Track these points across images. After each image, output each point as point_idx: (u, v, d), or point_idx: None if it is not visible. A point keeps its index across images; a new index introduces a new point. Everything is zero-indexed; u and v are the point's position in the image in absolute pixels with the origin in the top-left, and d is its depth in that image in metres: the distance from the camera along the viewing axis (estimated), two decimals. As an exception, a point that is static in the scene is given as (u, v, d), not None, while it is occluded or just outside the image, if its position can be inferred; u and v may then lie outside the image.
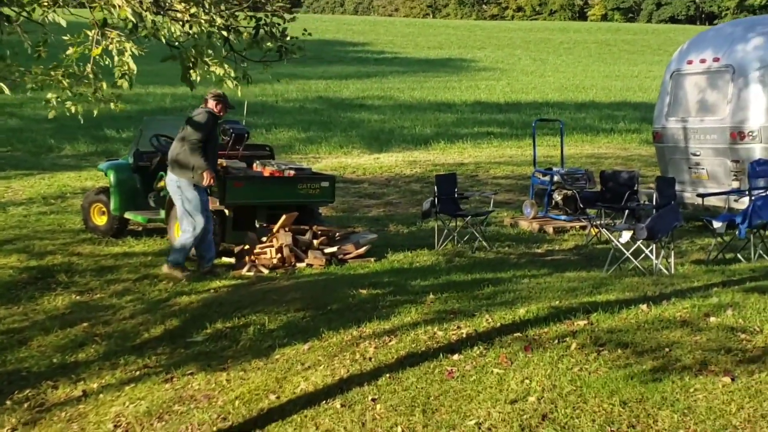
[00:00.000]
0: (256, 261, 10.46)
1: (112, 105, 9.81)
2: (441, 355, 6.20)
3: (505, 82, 38.24)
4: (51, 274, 10.44)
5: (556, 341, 6.27)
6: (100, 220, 12.20)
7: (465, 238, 12.17)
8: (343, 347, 6.74)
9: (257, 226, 11.25)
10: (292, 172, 11.47)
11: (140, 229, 12.41)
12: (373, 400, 5.58)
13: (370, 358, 6.38)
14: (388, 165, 18.42)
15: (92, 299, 9.64)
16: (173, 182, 10.13)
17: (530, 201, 13.97)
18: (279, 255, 10.52)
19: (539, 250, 11.82)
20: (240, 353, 7.17)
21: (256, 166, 11.95)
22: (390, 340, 6.73)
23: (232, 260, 10.73)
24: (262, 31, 9.51)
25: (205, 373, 6.73)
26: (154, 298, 9.38)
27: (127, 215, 11.92)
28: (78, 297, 9.72)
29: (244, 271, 10.27)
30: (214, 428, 5.65)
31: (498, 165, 18.92)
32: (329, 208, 14.70)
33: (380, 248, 11.56)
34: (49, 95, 9.52)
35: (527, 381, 5.56)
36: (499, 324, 6.87)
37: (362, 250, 10.98)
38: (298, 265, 10.53)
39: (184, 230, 10.17)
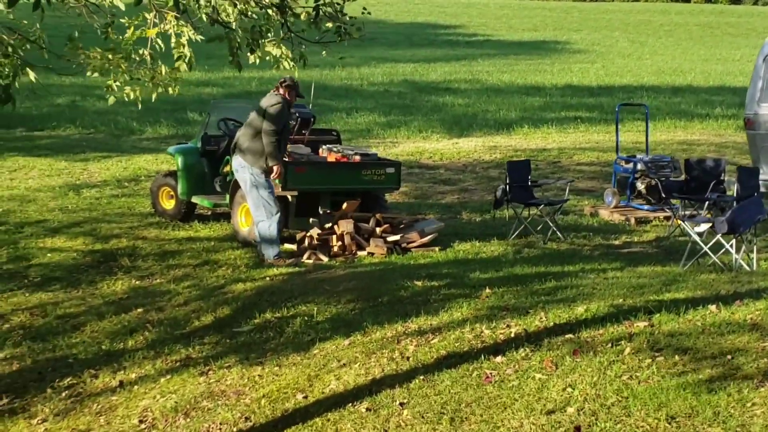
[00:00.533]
0: (317, 248, 10.21)
1: (170, 90, 9.80)
2: (483, 356, 5.82)
3: (599, 65, 37.20)
4: (114, 258, 10.40)
5: (610, 345, 5.83)
6: (169, 204, 12.13)
7: (538, 228, 11.72)
8: (383, 344, 6.42)
9: (320, 212, 11.01)
10: (357, 158, 11.19)
11: (208, 213, 12.30)
12: (402, 404, 5.24)
13: (408, 357, 6.05)
14: (467, 150, 17.99)
15: (151, 284, 9.55)
16: (245, 169, 9.95)
17: (612, 189, 13.41)
18: (340, 243, 10.26)
19: (616, 242, 11.30)
20: (281, 346, 6.93)
21: (322, 152, 11.71)
22: (433, 338, 6.38)
23: (294, 247, 10.51)
24: (321, 11, 9.28)
25: (241, 367, 6.51)
26: (211, 285, 9.23)
27: (194, 199, 11.81)
28: (138, 282, 9.65)
29: (303, 259, 10.04)
30: (235, 428, 5.41)
31: (583, 151, 18.29)
32: (400, 194, 14.39)
33: (448, 237, 11.21)
34: (110, 81, 9.52)
35: (569, 389, 5.15)
36: (552, 323, 6.46)
37: (426, 238, 10.64)
38: (359, 253, 10.26)
39: (260, 220, 9.97)
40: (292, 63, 9.29)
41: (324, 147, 11.74)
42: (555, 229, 11.47)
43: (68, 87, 25.91)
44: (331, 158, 11.51)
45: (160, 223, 11.88)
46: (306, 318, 7.52)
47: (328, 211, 10.90)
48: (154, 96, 9.76)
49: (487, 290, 7.69)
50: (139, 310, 8.64)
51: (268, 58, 9.25)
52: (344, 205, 10.64)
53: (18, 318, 8.57)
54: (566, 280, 8.19)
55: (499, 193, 11.77)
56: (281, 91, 10.12)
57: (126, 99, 9.73)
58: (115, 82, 9.52)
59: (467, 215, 13.25)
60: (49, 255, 10.44)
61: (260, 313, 7.87)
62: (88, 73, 9.48)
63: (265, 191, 9.91)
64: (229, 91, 26.25)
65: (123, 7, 8.57)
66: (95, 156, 16.51)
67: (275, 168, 9.90)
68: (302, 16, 9.04)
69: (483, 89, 27.94)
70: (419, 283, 8.25)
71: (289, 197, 10.68)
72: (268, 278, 9.12)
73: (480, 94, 26.85)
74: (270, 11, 8.90)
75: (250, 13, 9.00)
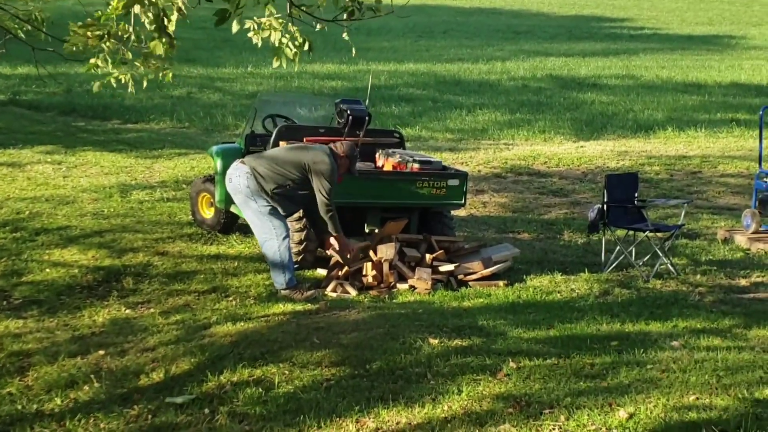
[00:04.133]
0: (348, 278, 8.27)
1: (161, 75, 8.07)
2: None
3: (776, 61, 33.47)
4: (118, 278, 8.80)
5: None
6: (208, 213, 10.45)
7: (646, 258, 9.38)
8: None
9: (367, 231, 9.05)
10: (415, 166, 9.16)
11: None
12: None
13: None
14: (591, 155, 15.55)
15: (140, 315, 7.85)
16: (243, 178, 8.14)
17: (752, 210, 10.90)
18: (375, 272, 8.27)
19: (743, 282, 8.86)
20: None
21: (379, 156, 9.74)
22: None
23: (325, 273, 8.62)
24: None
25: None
26: (199, 322, 7.45)
27: (233, 209, 10.05)
28: (127, 311, 7.98)
29: (327, 290, 8.12)
30: None
31: (731, 160, 15.54)
32: (497, 206, 12.35)
33: (527, 265, 9.13)
34: (92, 60, 7.87)
35: None
36: (570, 435, 4.27)
37: (489, 270, 8.50)
38: (399, 286, 8.23)
39: (265, 239, 8.16)
40: (294, 50, 7.37)
41: (380, 151, 9.77)
42: (665, 260, 9.12)
43: (192, 78, 24.95)
44: (388, 165, 9.53)
45: (194, 234, 10.21)
46: (261, 391, 5.58)
47: (376, 230, 8.94)
48: (145, 82, 8.13)
49: (512, 364, 5.55)
50: (101, 352, 6.93)
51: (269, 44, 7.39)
52: (387, 225, 8.64)
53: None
54: (637, 350, 5.94)
55: (593, 214, 9.47)
56: (339, 151, 8.30)
57: (114, 85, 8.18)
58: (96, 65, 7.93)
59: (569, 235, 11.02)
60: (47, 271, 8.93)
61: (217, 374, 5.99)
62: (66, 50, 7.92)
63: (264, 207, 8.10)
64: (355, 84, 24.55)
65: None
66: (170, 153, 15.09)
67: (339, 242, 8.22)
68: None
69: (634, 86, 25.14)
70: (435, 342, 6.19)
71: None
72: (264, 319, 7.24)
73: (629, 91, 24.09)
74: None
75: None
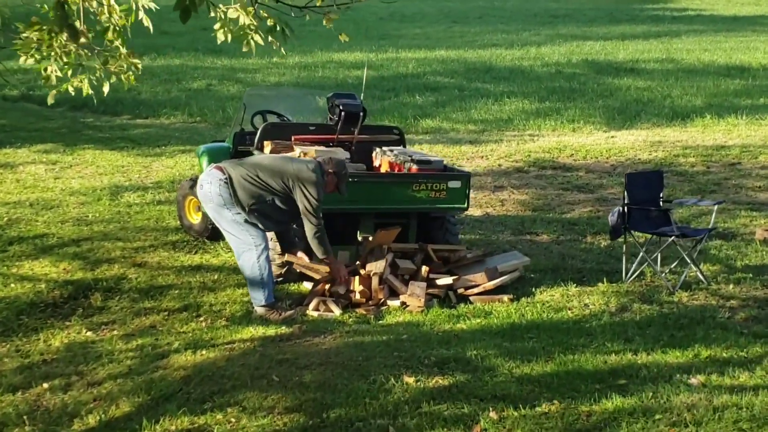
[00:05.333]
0: (331, 295, 7.40)
1: (123, 77, 7.28)
2: None
3: (828, 42, 31.90)
4: (86, 294, 8.02)
5: None
6: (195, 218, 9.63)
7: (674, 265, 8.42)
8: None
9: (359, 239, 8.16)
10: (413, 167, 8.25)
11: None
12: None
13: None
14: (622, 147, 14.49)
15: (99, 339, 7.05)
16: (215, 185, 7.29)
17: (794, 208, 9.84)
18: (362, 288, 7.38)
19: (782, 292, 7.85)
20: None
21: (376, 155, 8.85)
22: None
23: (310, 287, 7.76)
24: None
25: None
26: (158, 349, 6.63)
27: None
28: (88, 333, 7.20)
29: (309, 309, 7.25)
30: None
31: (775, 150, 14.39)
32: (516, 203, 11.44)
33: (540, 275, 8.28)
34: (48, 67, 7.12)
35: None
36: None
37: (493, 283, 7.57)
38: (390, 303, 7.35)
39: (242, 250, 7.30)
40: (270, 39, 6.51)
41: (377, 150, 8.88)
42: (695, 269, 8.15)
43: (213, 70, 24.22)
44: (385, 165, 8.64)
45: (178, 242, 9.41)
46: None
47: (370, 238, 8.05)
48: (106, 88, 7.31)
49: (492, 414, 4.66)
50: (44, 386, 6.15)
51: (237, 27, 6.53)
52: (377, 234, 7.75)
53: None
54: (646, 392, 4.99)
55: (613, 217, 8.48)
56: (328, 168, 7.37)
57: (72, 93, 7.40)
58: (50, 69, 7.16)
59: (591, 237, 10.07)
60: (11, 286, 8.16)
61: (154, 422, 5.15)
62: (21, 60, 7.16)
63: (239, 216, 7.24)
64: (381, 73, 23.61)
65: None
66: (174, 150, 14.31)
67: (330, 267, 7.42)
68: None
69: (674, 70, 23.88)
70: (410, 381, 5.30)
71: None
72: (228, 347, 6.39)
73: (667, 75, 22.86)
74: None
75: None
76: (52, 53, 6.89)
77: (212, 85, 22.17)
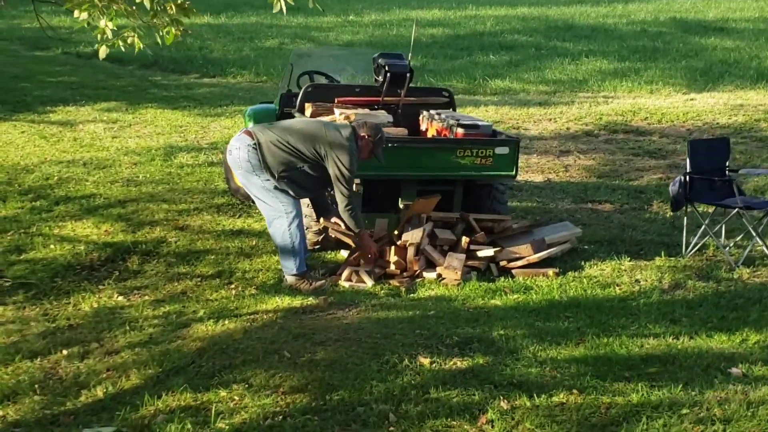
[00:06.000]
0: (365, 265, 7.09)
1: (163, 32, 7.06)
2: None
3: None
4: (124, 257, 7.88)
5: None
6: (242, 181, 9.41)
7: (739, 238, 7.91)
8: None
9: (401, 206, 7.82)
10: (459, 131, 7.86)
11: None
12: None
13: None
14: (701, 110, 13.77)
15: (128, 305, 6.89)
16: (243, 155, 7.02)
17: None
18: (397, 258, 7.05)
19: None
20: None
21: (422, 119, 8.49)
22: None
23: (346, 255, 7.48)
24: None
25: None
26: (183, 317, 6.44)
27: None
28: (119, 298, 7.05)
29: (342, 280, 6.97)
30: None
31: None
32: (581, 169, 10.94)
33: (595, 246, 7.93)
34: (102, 23, 6.97)
35: None
36: None
37: (537, 256, 7.17)
38: (426, 275, 7.01)
39: (274, 217, 7.04)
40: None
41: (425, 113, 8.50)
42: (761, 243, 7.62)
43: (289, 29, 24.02)
44: (431, 130, 8.27)
45: (223, 205, 9.22)
46: (190, 428, 4.49)
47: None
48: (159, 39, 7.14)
49: (502, 404, 4.31)
50: (63, 353, 6.01)
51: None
52: (416, 202, 7.40)
53: None
54: (677, 383, 4.56)
55: (674, 187, 7.97)
56: (362, 132, 6.98)
57: (123, 49, 7.24)
58: (106, 25, 7.03)
59: (658, 206, 9.59)
60: (51, 247, 8.07)
61: (157, 398, 4.95)
62: (75, 14, 7.05)
63: (271, 183, 6.96)
64: (457, 32, 23.07)
65: None
66: (234, 110, 14.13)
67: (362, 238, 7.07)
68: None
69: (765, 30, 22.75)
70: (425, 362, 4.97)
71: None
72: (250, 318, 6.15)
73: (758, 35, 21.77)
74: None
75: None
76: (98, 6, 6.74)
77: (284, 43, 21.96)
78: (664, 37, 21.57)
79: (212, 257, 7.80)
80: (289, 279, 6.93)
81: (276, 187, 6.97)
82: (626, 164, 11.34)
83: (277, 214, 6.99)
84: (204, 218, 8.85)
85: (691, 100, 14.70)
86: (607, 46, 20.50)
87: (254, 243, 8.10)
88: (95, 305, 6.93)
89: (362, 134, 7.00)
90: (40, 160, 10.86)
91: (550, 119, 13.46)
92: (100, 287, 7.31)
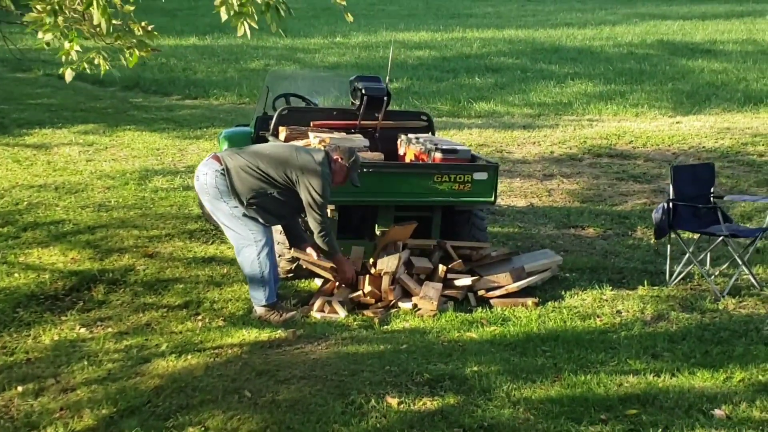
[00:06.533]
0: (341, 292, 6.84)
1: (126, 54, 6.82)
2: None
3: None
4: (89, 287, 7.61)
5: None
6: (216, 206, 9.14)
7: (724, 267, 7.69)
8: None
9: (378, 233, 7.57)
10: (437, 156, 7.63)
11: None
12: None
13: None
14: (686, 133, 13.59)
15: (90, 337, 6.62)
16: (210, 180, 6.77)
17: None
18: (371, 288, 6.80)
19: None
20: None
21: (401, 143, 8.26)
22: None
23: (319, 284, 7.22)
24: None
25: None
26: (145, 351, 6.17)
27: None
28: (81, 330, 6.78)
29: (314, 311, 6.71)
30: None
31: None
32: (564, 193, 10.74)
33: (577, 273, 7.72)
34: (67, 44, 6.73)
35: None
36: None
37: (516, 285, 6.93)
38: (401, 305, 6.76)
39: (242, 245, 6.77)
40: (267, 16, 5.96)
41: (403, 137, 8.27)
42: (747, 271, 7.40)
43: (274, 50, 23.81)
44: (410, 154, 8.05)
45: (196, 231, 8.96)
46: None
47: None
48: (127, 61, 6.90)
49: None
50: (18, 389, 5.73)
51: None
52: (390, 230, 7.16)
53: None
54: (657, 426, 4.30)
55: (657, 214, 7.75)
56: (335, 155, 6.74)
57: (88, 71, 7.01)
58: (71, 47, 6.81)
59: (641, 232, 9.38)
60: (15, 276, 7.79)
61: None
62: (39, 35, 6.83)
63: (240, 210, 6.69)
64: (444, 54, 22.91)
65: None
66: (215, 132, 13.87)
67: (339, 264, 6.86)
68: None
69: (753, 52, 22.64)
70: (392, 402, 4.71)
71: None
72: (214, 352, 5.88)
73: (746, 57, 21.66)
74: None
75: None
76: (60, 26, 6.52)
77: (269, 65, 21.74)
78: (651, 60, 21.45)
79: (181, 286, 7.54)
80: (259, 310, 6.67)
81: (245, 215, 6.71)
82: (610, 188, 11.14)
83: (246, 243, 6.74)
84: (175, 245, 8.59)
85: (677, 123, 14.52)
86: (593, 68, 20.36)
87: (225, 271, 7.84)
88: (56, 338, 6.65)
89: (336, 157, 6.77)
90: (11, 185, 10.58)
91: (534, 142, 13.26)
92: (63, 318, 7.04)
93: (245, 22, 5.81)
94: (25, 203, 9.83)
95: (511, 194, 10.80)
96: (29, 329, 6.82)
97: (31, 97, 16.63)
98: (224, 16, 6.09)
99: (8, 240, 8.69)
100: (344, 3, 6.34)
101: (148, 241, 8.69)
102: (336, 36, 26.01)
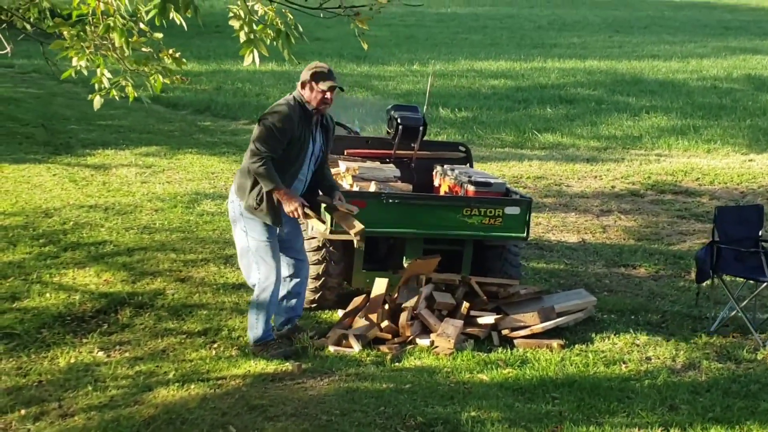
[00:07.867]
0: (354, 329, 6.65)
1: (150, 80, 6.82)
2: None
3: None
4: (116, 309, 7.59)
5: None
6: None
7: (768, 316, 7.30)
8: None
9: (405, 266, 7.36)
10: (470, 189, 7.40)
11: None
12: None
13: None
14: (758, 172, 13.05)
15: (105, 362, 6.58)
16: (235, 207, 6.62)
17: None
18: (388, 323, 6.60)
19: None
20: None
21: (436, 174, 8.06)
22: None
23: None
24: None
25: None
26: (153, 378, 6.09)
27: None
28: (99, 353, 6.75)
29: (329, 345, 6.53)
30: None
31: None
32: (619, 230, 10.39)
33: (616, 315, 7.46)
34: (99, 71, 6.81)
35: None
36: None
37: (541, 326, 6.64)
38: (419, 341, 6.53)
39: (254, 282, 6.64)
40: (275, 43, 5.89)
41: (438, 168, 8.07)
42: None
43: (351, 77, 23.84)
44: (444, 186, 7.84)
45: (232, 257, 8.84)
46: None
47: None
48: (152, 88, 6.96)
49: None
50: (21, 412, 5.72)
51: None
52: (410, 264, 6.95)
53: None
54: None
55: (702, 256, 7.37)
56: (300, 88, 6.51)
57: (117, 98, 7.08)
58: (102, 73, 6.91)
59: (695, 273, 8.88)
60: (46, 296, 7.82)
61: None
62: (74, 63, 6.94)
63: (257, 242, 6.51)
64: (519, 83, 22.61)
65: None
66: (273, 157, 13.88)
67: (281, 197, 6.28)
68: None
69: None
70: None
71: (355, 241, 6.97)
72: (215, 384, 5.76)
73: (838, 93, 20.82)
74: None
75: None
76: (87, 51, 6.59)
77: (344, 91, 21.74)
78: (734, 95, 20.77)
79: (204, 312, 7.46)
80: (252, 349, 6.51)
81: (259, 249, 6.49)
82: (669, 227, 10.72)
83: (260, 277, 6.58)
84: (209, 269, 8.54)
85: (750, 161, 13.97)
86: (671, 102, 19.79)
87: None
88: (72, 361, 6.63)
89: (299, 89, 6.41)
90: (63, 204, 10.70)
91: (596, 176, 12.89)
92: (84, 341, 7.02)
93: (254, 51, 5.72)
94: (72, 223, 9.91)
95: (564, 229, 10.48)
96: (48, 351, 6.81)
97: (104, 118, 16.89)
98: (243, 38, 6.03)
99: (47, 260, 8.75)
100: (366, 27, 6.20)
101: (183, 265, 8.66)
102: (414, 64, 25.93)
